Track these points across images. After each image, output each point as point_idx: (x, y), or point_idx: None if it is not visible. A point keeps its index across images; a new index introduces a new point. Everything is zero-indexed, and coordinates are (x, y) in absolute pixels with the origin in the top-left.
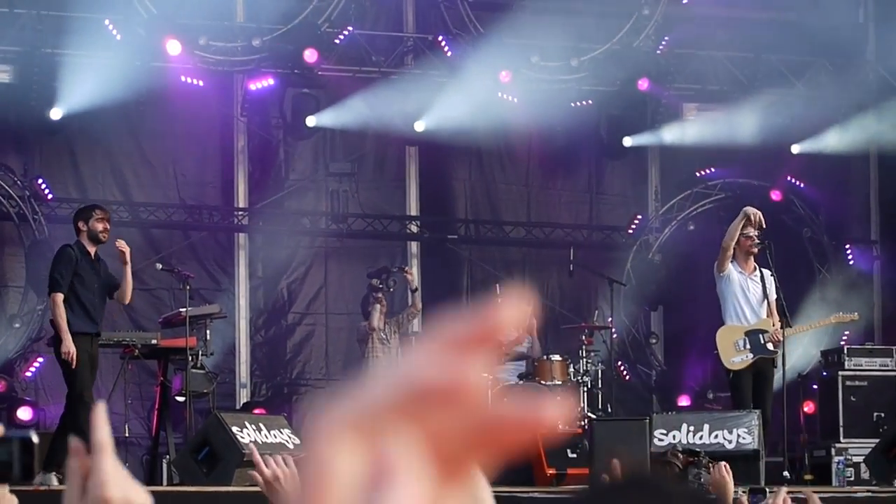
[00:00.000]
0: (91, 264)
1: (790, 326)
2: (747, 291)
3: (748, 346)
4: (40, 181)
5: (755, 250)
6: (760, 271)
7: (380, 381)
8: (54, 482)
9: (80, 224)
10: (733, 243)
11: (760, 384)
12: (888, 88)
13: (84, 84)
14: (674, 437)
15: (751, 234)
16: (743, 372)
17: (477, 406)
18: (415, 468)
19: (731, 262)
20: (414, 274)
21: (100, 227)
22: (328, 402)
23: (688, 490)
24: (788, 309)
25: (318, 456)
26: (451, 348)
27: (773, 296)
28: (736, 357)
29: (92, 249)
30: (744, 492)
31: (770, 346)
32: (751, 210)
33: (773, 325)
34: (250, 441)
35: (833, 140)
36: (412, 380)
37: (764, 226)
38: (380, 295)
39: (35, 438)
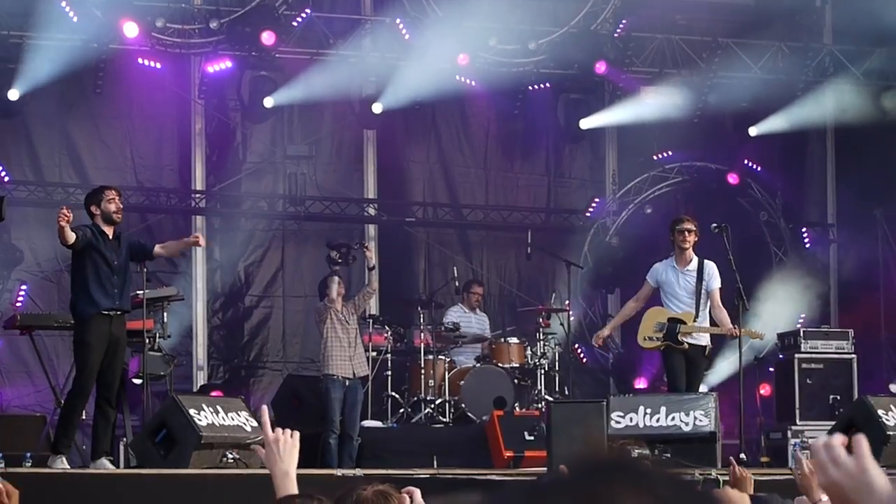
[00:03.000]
0: (108, 246)
1: (748, 310)
2: (676, 285)
3: (664, 331)
4: None
5: (687, 245)
6: (701, 264)
7: None
8: (60, 465)
9: (93, 208)
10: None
11: (690, 370)
12: (845, 71)
13: (40, 66)
14: (630, 419)
15: (683, 227)
16: (673, 354)
17: None
18: None
19: (668, 258)
20: (373, 251)
21: (112, 207)
22: None
23: (664, 471)
24: (745, 292)
25: None
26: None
27: (712, 286)
28: (649, 336)
29: (109, 230)
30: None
31: (680, 337)
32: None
33: (696, 320)
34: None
35: (790, 122)
36: None
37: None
38: (337, 268)
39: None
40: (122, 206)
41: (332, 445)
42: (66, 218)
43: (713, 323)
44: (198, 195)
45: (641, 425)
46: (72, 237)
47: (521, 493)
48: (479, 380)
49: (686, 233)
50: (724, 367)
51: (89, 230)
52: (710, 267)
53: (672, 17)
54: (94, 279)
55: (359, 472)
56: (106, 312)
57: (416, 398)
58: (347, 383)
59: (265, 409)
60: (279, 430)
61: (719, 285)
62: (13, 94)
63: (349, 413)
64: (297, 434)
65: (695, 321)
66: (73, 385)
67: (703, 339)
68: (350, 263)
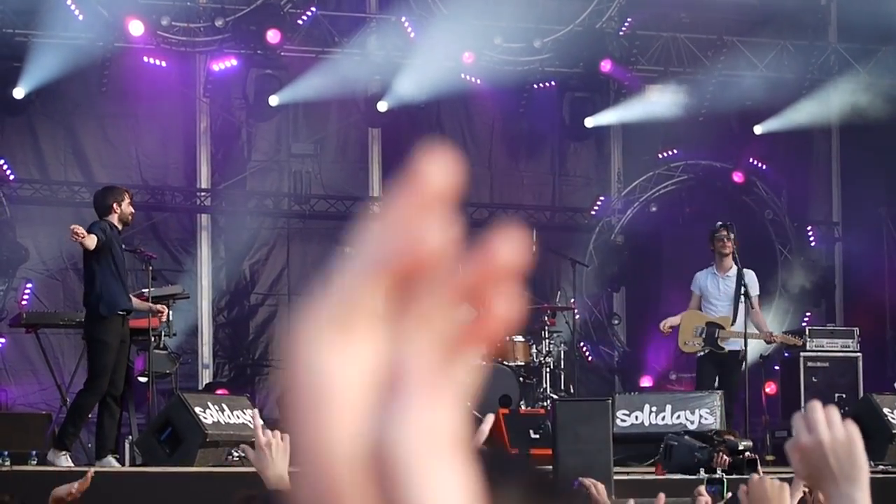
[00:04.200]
0: (121, 244)
1: (753, 308)
2: (717, 290)
3: (703, 335)
4: (1, 162)
5: (727, 251)
6: (740, 271)
7: (346, 273)
8: (64, 462)
9: (115, 205)
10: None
11: (725, 374)
12: (850, 69)
13: (46, 64)
14: (636, 417)
15: (721, 235)
16: (708, 361)
17: (447, 267)
18: (424, 353)
19: (709, 266)
20: None
21: (129, 210)
22: (306, 311)
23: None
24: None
25: (308, 367)
26: (403, 216)
27: (752, 293)
28: (689, 341)
29: (121, 230)
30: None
31: (720, 342)
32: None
33: (732, 325)
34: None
35: (795, 121)
36: (376, 260)
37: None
38: None
39: None
40: (133, 211)
41: None
42: (81, 235)
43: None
44: (203, 194)
45: (647, 423)
46: (93, 242)
47: None
48: (484, 378)
49: (725, 239)
50: None
51: (108, 226)
52: (750, 275)
53: (677, 15)
54: (115, 278)
55: None
56: (122, 311)
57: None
58: None
59: (256, 413)
60: (269, 433)
61: (758, 293)
62: (19, 93)
63: None
64: (287, 437)
65: (731, 326)
66: (89, 384)
67: (738, 344)
68: None
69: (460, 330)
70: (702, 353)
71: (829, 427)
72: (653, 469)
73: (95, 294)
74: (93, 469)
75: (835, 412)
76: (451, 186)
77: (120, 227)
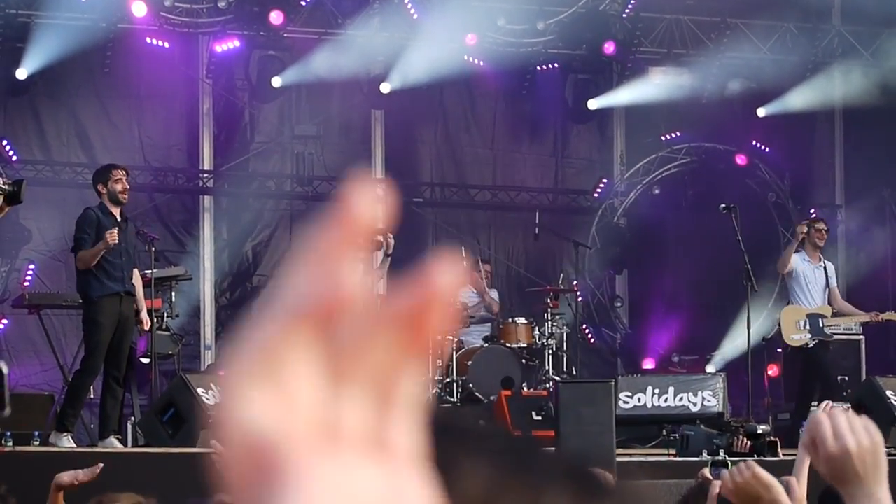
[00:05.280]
0: (115, 225)
1: (756, 290)
2: (813, 278)
3: (808, 327)
4: (4, 142)
5: (822, 244)
6: (825, 263)
7: (265, 317)
8: (66, 443)
9: (100, 187)
10: (785, 270)
11: (816, 363)
12: (853, 52)
13: (49, 45)
14: (639, 399)
15: (821, 227)
16: (819, 351)
17: (367, 307)
18: (353, 395)
19: (798, 252)
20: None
21: (118, 187)
22: (229, 357)
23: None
24: (753, 273)
25: (241, 423)
26: (322, 258)
27: (833, 284)
28: (796, 335)
29: (115, 210)
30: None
31: (827, 330)
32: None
33: (831, 313)
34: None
35: (798, 103)
36: (293, 304)
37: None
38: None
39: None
40: (128, 187)
41: None
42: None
43: (843, 314)
44: (205, 175)
45: (649, 405)
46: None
47: None
48: (486, 360)
49: (823, 231)
50: (732, 348)
51: (95, 214)
52: (831, 266)
53: None
54: (100, 261)
55: None
56: (115, 293)
57: (423, 378)
58: None
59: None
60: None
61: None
62: (21, 74)
63: None
64: None
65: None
66: (83, 364)
67: (840, 330)
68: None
69: (394, 353)
70: (811, 345)
71: (853, 433)
72: (655, 451)
73: (84, 277)
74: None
75: (856, 418)
76: (376, 220)
77: (114, 207)
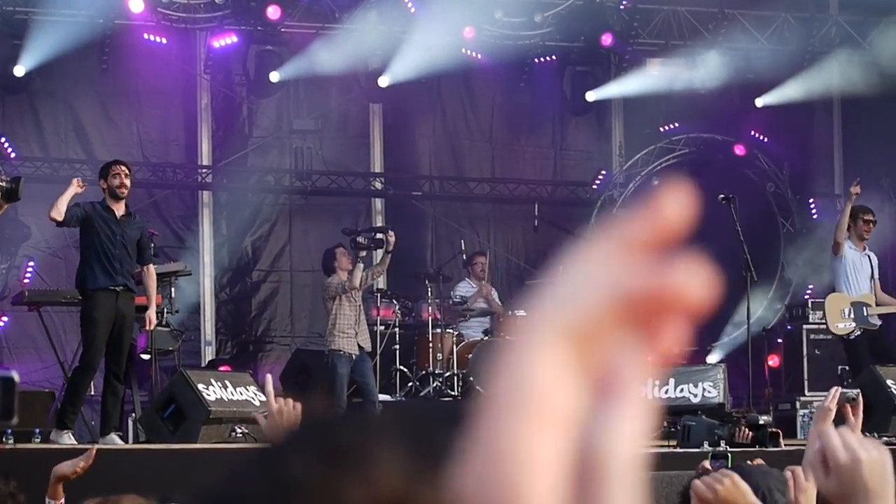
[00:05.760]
0: (114, 221)
1: (755, 281)
2: (859, 266)
3: (852, 315)
4: (3, 139)
5: (868, 237)
6: (869, 253)
7: (581, 285)
8: (67, 440)
9: (101, 182)
10: (843, 236)
11: (880, 345)
12: (851, 41)
13: (46, 42)
14: None
15: (869, 218)
16: (862, 340)
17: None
18: (640, 383)
19: (847, 240)
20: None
21: (115, 182)
22: (534, 306)
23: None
24: (753, 263)
25: (523, 368)
26: (640, 250)
27: (876, 274)
28: (840, 323)
29: (116, 206)
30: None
31: (871, 319)
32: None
33: (875, 302)
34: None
35: (796, 93)
36: (622, 286)
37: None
38: (364, 253)
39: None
40: (126, 182)
41: None
42: (78, 188)
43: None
44: (204, 170)
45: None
46: (59, 214)
47: (255, 458)
48: (487, 353)
49: (872, 224)
50: (732, 339)
51: (89, 206)
52: (875, 258)
53: None
54: (96, 255)
55: None
56: (112, 288)
57: (424, 372)
58: (354, 357)
59: (269, 378)
60: (282, 400)
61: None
62: (19, 70)
63: (365, 383)
64: (299, 405)
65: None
66: (81, 360)
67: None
68: (374, 248)
69: (643, 354)
70: (856, 334)
71: (864, 446)
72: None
73: (80, 270)
74: (95, 447)
75: (863, 438)
76: (685, 223)
77: (114, 203)
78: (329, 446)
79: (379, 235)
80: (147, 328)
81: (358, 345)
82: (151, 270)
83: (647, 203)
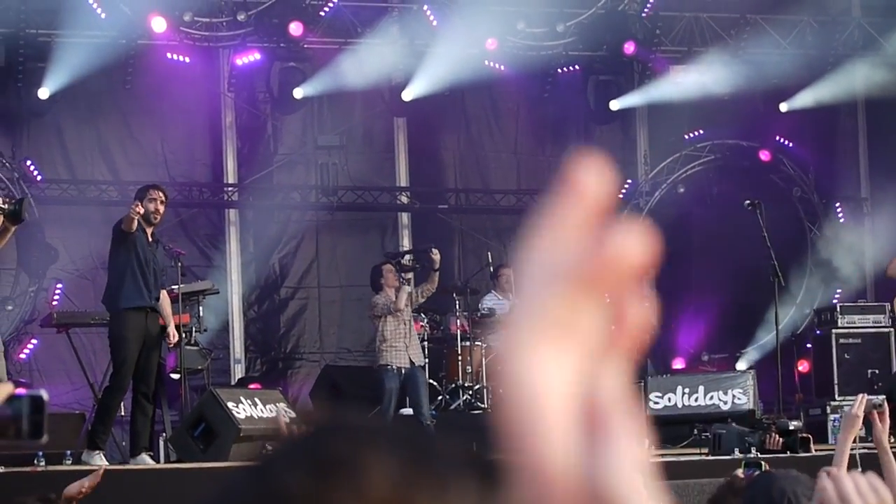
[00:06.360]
0: (146, 244)
1: (783, 286)
2: None
3: None
4: (29, 163)
5: None
6: None
7: (541, 282)
8: (98, 461)
9: (136, 205)
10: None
11: None
12: (874, 44)
13: (70, 64)
14: (669, 399)
15: None
16: None
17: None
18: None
19: None
20: (439, 255)
21: (151, 207)
22: (512, 320)
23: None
24: (780, 268)
25: (524, 373)
26: (578, 228)
27: None
28: None
29: (148, 229)
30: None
31: None
32: None
33: None
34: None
35: (820, 97)
36: (574, 266)
37: None
38: (410, 275)
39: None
40: (161, 209)
41: None
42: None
43: None
44: (230, 188)
45: (680, 405)
46: (134, 225)
47: (247, 473)
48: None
49: None
50: (761, 345)
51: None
52: None
53: None
54: (131, 276)
55: None
56: (142, 307)
57: (454, 385)
58: (404, 372)
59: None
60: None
61: None
62: (43, 93)
63: (415, 398)
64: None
65: None
66: (111, 380)
67: None
68: (419, 268)
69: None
70: None
71: (860, 496)
72: (688, 451)
73: (110, 290)
74: (104, 467)
75: (863, 478)
76: (606, 192)
77: (147, 226)
78: (319, 457)
79: (421, 257)
80: (170, 342)
81: (410, 359)
82: (165, 294)
83: (567, 185)
